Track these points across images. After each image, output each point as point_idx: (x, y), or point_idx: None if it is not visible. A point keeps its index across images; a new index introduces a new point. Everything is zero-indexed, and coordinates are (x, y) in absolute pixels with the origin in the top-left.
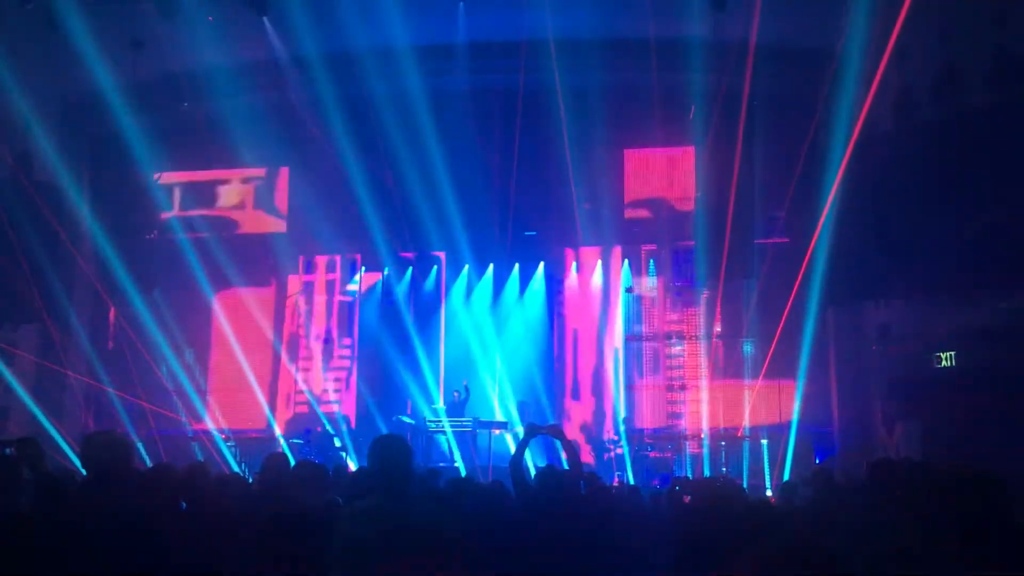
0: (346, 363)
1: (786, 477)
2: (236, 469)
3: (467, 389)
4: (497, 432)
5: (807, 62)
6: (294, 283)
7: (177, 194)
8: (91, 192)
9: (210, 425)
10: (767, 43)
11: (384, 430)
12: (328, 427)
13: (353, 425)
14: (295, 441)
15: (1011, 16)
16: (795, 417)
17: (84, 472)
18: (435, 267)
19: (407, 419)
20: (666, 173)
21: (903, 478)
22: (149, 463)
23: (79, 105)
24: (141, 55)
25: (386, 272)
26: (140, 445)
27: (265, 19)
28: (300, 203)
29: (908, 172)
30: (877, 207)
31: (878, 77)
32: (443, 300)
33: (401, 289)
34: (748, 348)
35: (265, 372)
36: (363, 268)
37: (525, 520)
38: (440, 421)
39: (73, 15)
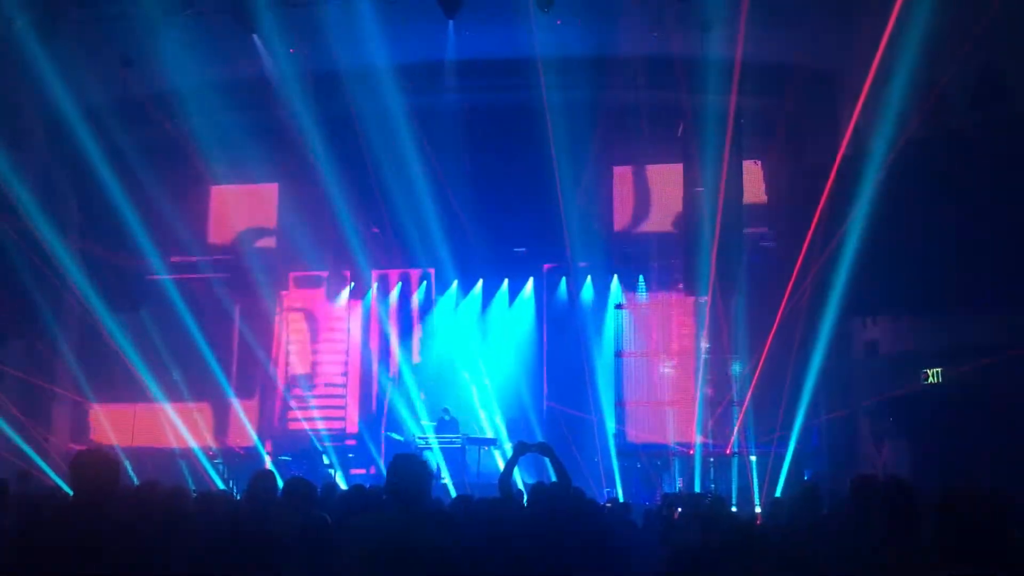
0: (336, 379)
1: (778, 493)
2: (222, 486)
3: (447, 412)
4: (486, 449)
5: (794, 78)
6: (284, 300)
7: None
8: (78, 209)
9: (197, 443)
10: (752, 60)
11: (374, 447)
12: (317, 444)
13: (343, 442)
14: (284, 458)
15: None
16: (794, 433)
17: (72, 490)
18: (424, 283)
19: (396, 436)
20: (655, 189)
21: (883, 495)
22: (136, 481)
23: (66, 122)
24: (129, 73)
25: (374, 288)
26: (127, 463)
27: (255, 36)
28: (289, 220)
29: (896, 189)
30: (865, 224)
31: (863, 95)
32: (432, 316)
33: (389, 305)
34: (737, 367)
35: (254, 388)
36: (351, 284)
37: (515, 537)
38: (428, 438)
39: (62, 34)
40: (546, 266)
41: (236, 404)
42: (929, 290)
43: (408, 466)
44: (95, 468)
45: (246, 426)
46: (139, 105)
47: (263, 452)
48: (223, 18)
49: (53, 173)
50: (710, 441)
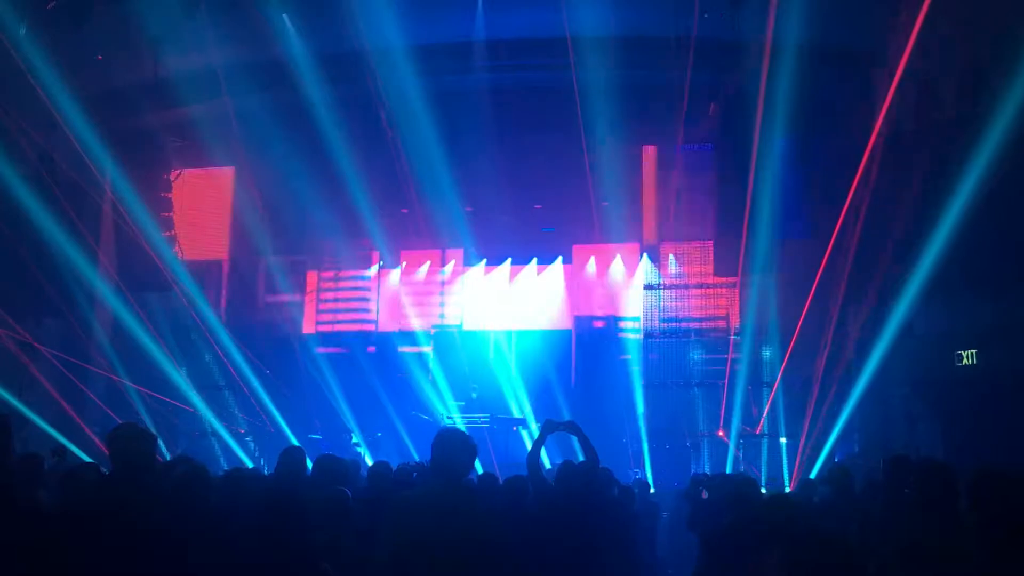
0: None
1: (812, 475)
2: (250, 464)
3: (475, 390)
4: (514, 429)
5: (828, 60)
6: (312, 278)
7: None
8: (113, 188)
9: (225, 422)
10: (785, 40)
11: (401, 427)
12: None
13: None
14: (314, 437)
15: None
16: (843, 416)
17: (109, 463)
18: (452, 263)
19: (423, 416)
20: (685, 170)
21: (918, 475)
22: (168, 457)
23: (101, 102)
24: (163, 52)
25: (402, 267)
26: (160, 440)
27: (285, 16)
28: (317, 200)
29: (929, 169)
30: (898, 204)
31: (898, 74)
32: (459, 295)
33: (417, 284)
34: (768, 350)
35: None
36: (380, 263)
37: (545, 514)
38: (454, 418)
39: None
40: (575, 246)
41: (259, 387)
42: (964, 271)
43: (453, 440)
44: (132, 442)
45: (270, 407)
46: (165, 87)
47: (288, 432)
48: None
49: (87, 154)
50: (740, 423)
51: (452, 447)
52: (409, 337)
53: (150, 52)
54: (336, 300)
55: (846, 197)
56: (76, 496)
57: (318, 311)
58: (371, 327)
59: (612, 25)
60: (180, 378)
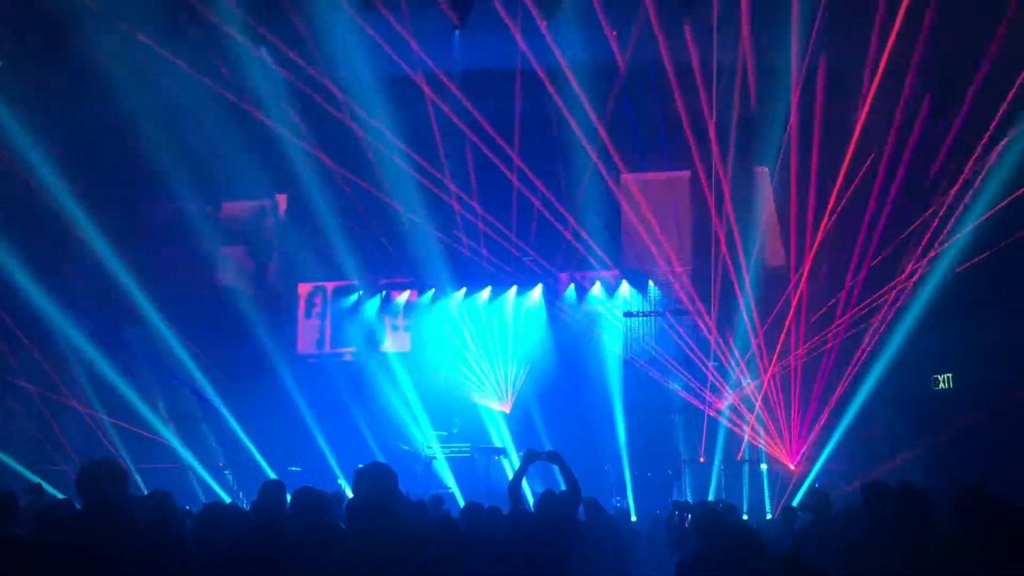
0: None
1: (795, 502)
2: (227, 499)
3: (455, 423)
4: (496, 458)
5: (801, 83)
6: (291, 307)
7: None
8: (94, 218)
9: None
10: (758, 65)
11: (381, 458)
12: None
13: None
14: (293, 469)
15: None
16: (829, 447)
17: (80, 500)
18: (431, 291)
19: (404, 446)
20: (663, 197)
21: (896, 500)
22: (145, 491)
23: (83, 130)
24: (144, 81)
25: (383, 295)
26: (137, 476)
27: (263, 49)
28: (297, 232)
29: (905, 194)
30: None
31: (870, 97)
32: (439, 324)
33: (395, 314)
34: (747, 376)
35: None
36: (359, 292)
37: (524, 545)
38: (434, 447)
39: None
40: (555, 274)
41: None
42: (938, 295)
43: (372, 475)
44: (103, 478)
45: (246, 442)
46: (154, 112)
47: (264, 463)
48: (231, 31)
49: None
50: (720, 450)
51: (373, 482)
52: (388, 366)
53: (130, 83)
54: (315, 329)
55: (820, 221)
56: (51, 532)
57: (296, 340)
58: (348, 357)
59: (588, 55)
60: (156, 412)
